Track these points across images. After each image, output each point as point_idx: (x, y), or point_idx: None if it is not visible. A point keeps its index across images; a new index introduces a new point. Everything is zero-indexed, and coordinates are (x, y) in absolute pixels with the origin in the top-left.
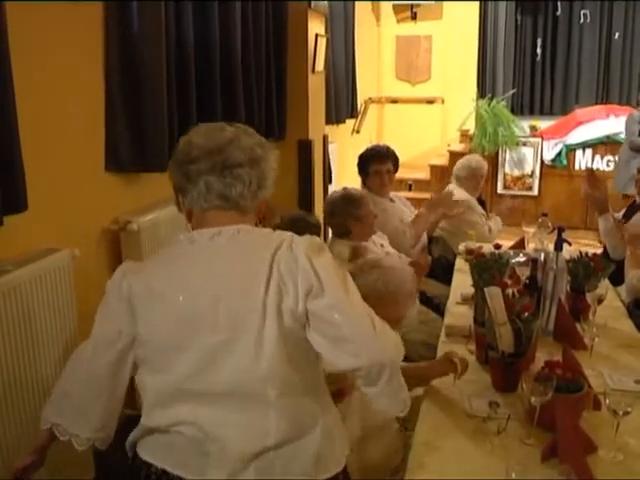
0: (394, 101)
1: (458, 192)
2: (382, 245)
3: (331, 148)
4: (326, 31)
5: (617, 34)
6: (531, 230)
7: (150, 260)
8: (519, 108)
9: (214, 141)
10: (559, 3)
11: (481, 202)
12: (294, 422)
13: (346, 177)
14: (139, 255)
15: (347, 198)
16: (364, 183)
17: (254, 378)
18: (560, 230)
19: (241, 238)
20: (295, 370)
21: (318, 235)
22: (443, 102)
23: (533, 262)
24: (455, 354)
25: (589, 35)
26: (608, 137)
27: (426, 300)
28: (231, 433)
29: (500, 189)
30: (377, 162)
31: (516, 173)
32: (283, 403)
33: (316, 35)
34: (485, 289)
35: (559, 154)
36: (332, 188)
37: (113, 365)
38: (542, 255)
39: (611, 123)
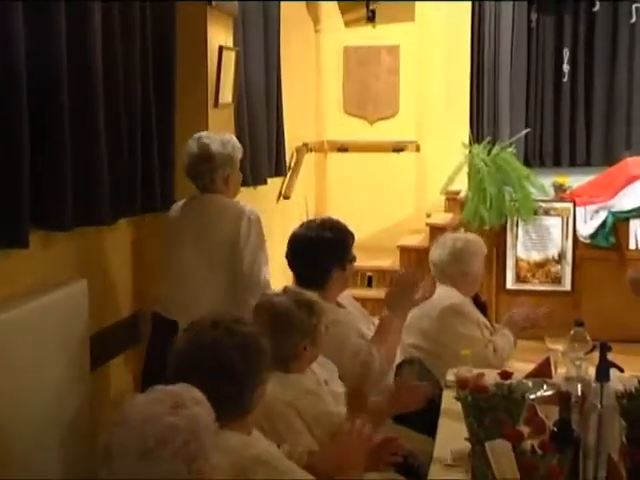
0: (342, 148)
1: (442, 291)
2: (326, 382)
3: None
4: (236, 42)
5: None
6: (560, 347)
7: None
8: (537, 157)
9: None
10: None
11: (480, 304)
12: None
13: (273, 268)
14: None
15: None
16: (324, 284)
17: None
18: (604, 348)
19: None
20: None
21: None
22: (418, 149)
23: (564, 398)
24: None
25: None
26: None
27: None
28: None
29: (511, 283)
30: (351, 248)
31: (535, 257)
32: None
33: (220, 48)
34: (487, 444)
35: (602, 226)
36: None
37: None
38: (578, 387)
39: None
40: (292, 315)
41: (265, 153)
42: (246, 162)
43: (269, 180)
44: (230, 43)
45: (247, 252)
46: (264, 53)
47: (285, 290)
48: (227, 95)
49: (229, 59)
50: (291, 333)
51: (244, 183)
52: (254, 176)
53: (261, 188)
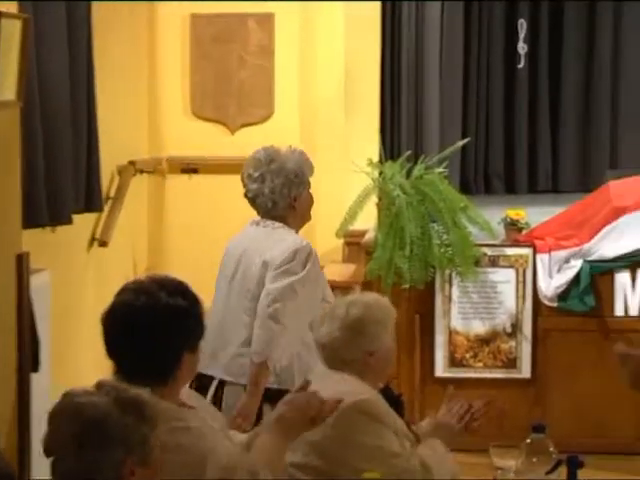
0: (190, 169)
1: (339, 383)
2: None
3: (38, 283)
4: (23, 7)
5: None
6: (512, 463)
7: None
8: (480, 181)
9: None
10: None
11: (394, 401)
12: None
13: (79, 352)
14: None
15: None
16: (168, 376)
17: None
18: (573, 464)
19: None
20: None
21: None
22: None
23: None
24: None
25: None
26: None
27: None
28: None
29: (442, 368)
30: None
31: (478, 330)
32: None
33: None
34: None
35: (576, 282)
36: (42, 382)
37: None
38: None
39: None
40: (111, 422)
41: (69, 176)
42: (40, 190)
43: (75, 217)
44: (14, 8)
45: (283, 279)
46: (67, 25)
47: (100, 385)
48: (8, 89)
49: (11, 32)
50: (108, 449)
51: (35, 222)
52: (52, 211)
53: (63, 229)
